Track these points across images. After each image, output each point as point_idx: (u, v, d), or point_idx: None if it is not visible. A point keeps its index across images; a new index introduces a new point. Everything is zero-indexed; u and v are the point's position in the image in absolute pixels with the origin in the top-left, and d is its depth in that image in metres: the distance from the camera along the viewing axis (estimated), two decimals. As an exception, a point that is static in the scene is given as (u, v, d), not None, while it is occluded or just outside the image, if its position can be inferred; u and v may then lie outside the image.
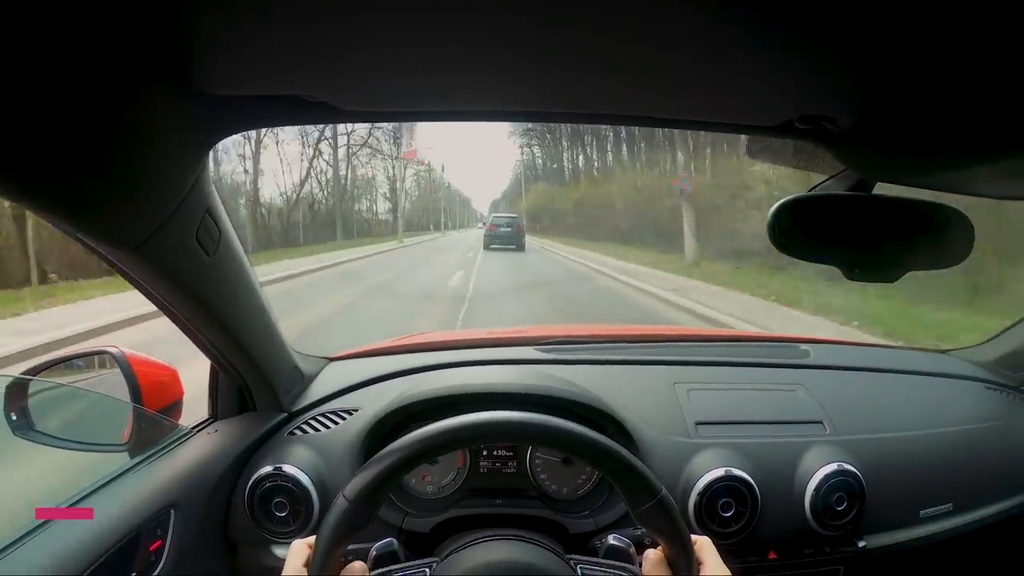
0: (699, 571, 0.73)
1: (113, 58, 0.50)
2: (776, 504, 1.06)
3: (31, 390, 1.05)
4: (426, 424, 0.72)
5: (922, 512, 1.14)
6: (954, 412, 1.28)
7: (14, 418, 1.01)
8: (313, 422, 1.14)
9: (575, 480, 1.13)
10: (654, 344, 1.52)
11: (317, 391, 1.20)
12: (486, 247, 22.23)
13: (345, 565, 0.74)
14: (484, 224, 30.03)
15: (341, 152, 31.57)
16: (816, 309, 7.65)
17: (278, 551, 1.04)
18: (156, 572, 0.88)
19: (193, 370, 1.14)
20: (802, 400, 1.23)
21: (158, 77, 0.56)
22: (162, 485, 0.93)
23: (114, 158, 0.56)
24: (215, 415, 1.12)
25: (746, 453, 1.09)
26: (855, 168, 0.75)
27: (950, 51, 0.48)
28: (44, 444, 1.04)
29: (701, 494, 1.03)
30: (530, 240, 25.91)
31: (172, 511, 0.92)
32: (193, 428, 1.09)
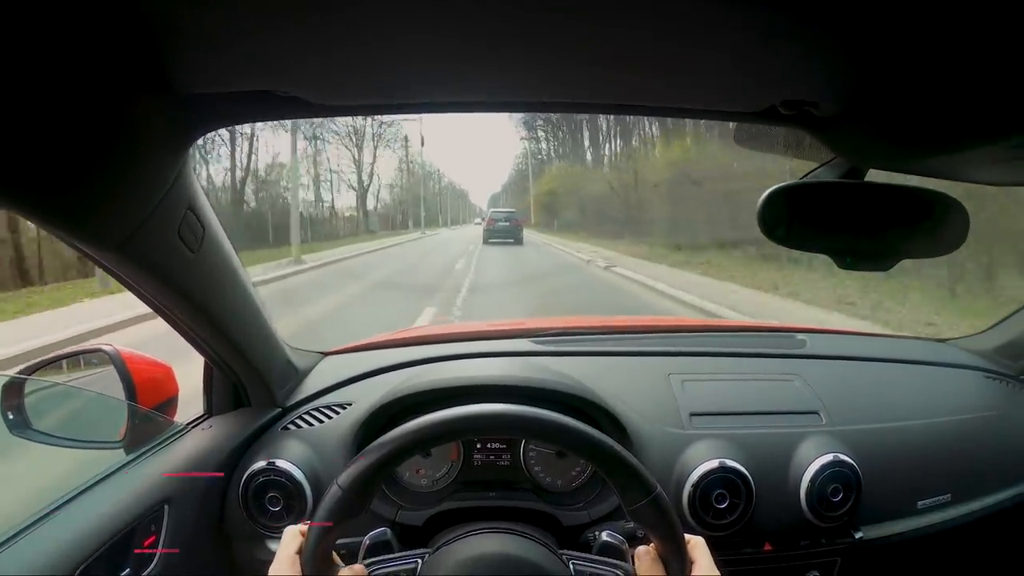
0: (691, 570, 0.73)
1: (86, 58, 0.50)
2: (771, 495, 1.06)
3: (27, 389, 1.05)
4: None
5: (920, 503, 1.13)
6: (952, 401, 1.27)
7: (11, 417, 1.02)
8: (307, 417, 1.14)
9: (569, 473, 1.13)
10: (649, 335, 1.51)
11: (311, 386, 1.20)
12: (485, 241, 22.61)
13: (338, 558, 0.75)
14: (483, 219, 29.60)
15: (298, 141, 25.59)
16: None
17: (272, 545, 1.04)
18: (150, 567, 0.88)
19: (196, 365, 1.14)
20: (798, 390, 1.22)
21: (131, 76, 0.56)
22: (156, 481, 0.93)
23: (89, 158, 0.56)
24: (210, 411, 1.13)
25: (741, 444, 1.09)
26: (843, 154, 0.75)
27: (932, 36, 0.48)
28: (40, 442, 1.04)
29: (695, 486, 1.03)
30: (549, 242, 23.49)
31: (166, 507, 0.92)
32: (188, 424, 1.10)
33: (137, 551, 0.87)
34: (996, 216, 5.64)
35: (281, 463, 1.03)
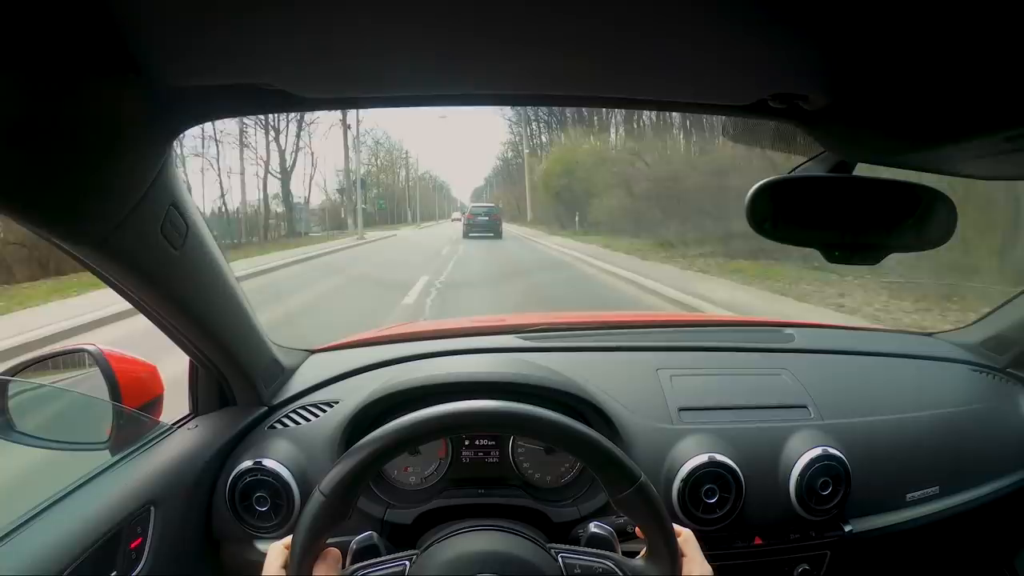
0: (681, 564, 0.73)
1: (64, 49, 0.49)
2: (761, 490, 1.06)
3: (10, 391, 1.04)
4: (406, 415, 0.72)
5: (908, 495, 1.14)
6: (940, 395, 1.28)
7: (-6, 419, 1.01)
8: (294, 415, 1.13)
9: (558, 469, 1.13)
10: (637, 330, 1.52)
11: (298, 384, 1.20)
12: (465, 235, 22.73)
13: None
14: (464, 213, 29.22)
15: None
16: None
17: (261, 546, 1.04)
18: (137, 569, 0.87)
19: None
20: (786, 384, 1.23)
21: (112, 70, 0.55)
22: (142, 482, 0.92)
23: (69, 153, 0.56)
24: (195, 410, 1.12)
25: (730, 439, 1.09)
26: (832, 148, 0.75)
27: (922, 28, 0.48)
28: (24, 444, 1.03)
29: (684, 481, 1.03)
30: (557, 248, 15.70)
31: (153, 508, 0.91)
32: (173, 424, 1.08)
33: (123, 553, 0.86)
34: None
35: (268, 463, 1.02)
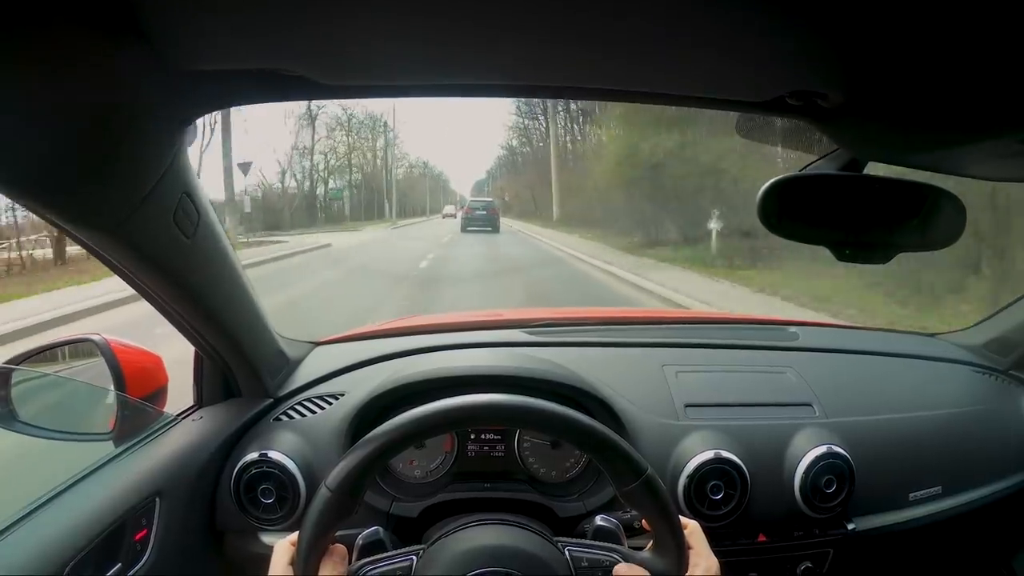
0: (688, 556, 0.73)
1: (79, 32, 0.48)
2: (765, 487, 1.06)
3: (14, 380, 1.04)
4: (412, 408, 0.71)
5: (911, 495, 1.14)
6: (942, 395, 1.29)
7: (-1, 408, 1.00)
8: (299, 407, 1.13)
9: (564, 463, 1.13)
10: (642, 326, 1.52)
11: (303, 376, 1.19)
12: (463, 229, 23.20)
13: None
14: (463, 207, 29.36)
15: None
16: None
17: (265, 538, 1.04)
18: (142, 561, 0.87)
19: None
20: (791, 382, 1.23)
21: (128, 53, 0.54)
22: (147, 473, 0.92)
23: (85, 138, 0.55)
24: (200, 401, 1.11)
25: (735, 436, 1.09)
26: (846, 146, 0.74)
27: (945, 27, 0.47)
28: (28, 434, 1.03)
29: (690, 477, 1.03)
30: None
31: (157, 499, 0.91)
32: (178, 415, 1.08)
33: (128, 544, 0.85)
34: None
35: (274, 455, 1.02)
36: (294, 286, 8.87)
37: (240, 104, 0.75)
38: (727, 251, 10.54)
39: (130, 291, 0.82)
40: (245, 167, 19.85)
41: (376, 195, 40.61)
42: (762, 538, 1.08)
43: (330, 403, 1.13)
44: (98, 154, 0.58)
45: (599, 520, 0.83)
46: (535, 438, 1.13)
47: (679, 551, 0.72)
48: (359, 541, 0.79)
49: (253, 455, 1.02)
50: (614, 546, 0.78)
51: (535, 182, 36.42)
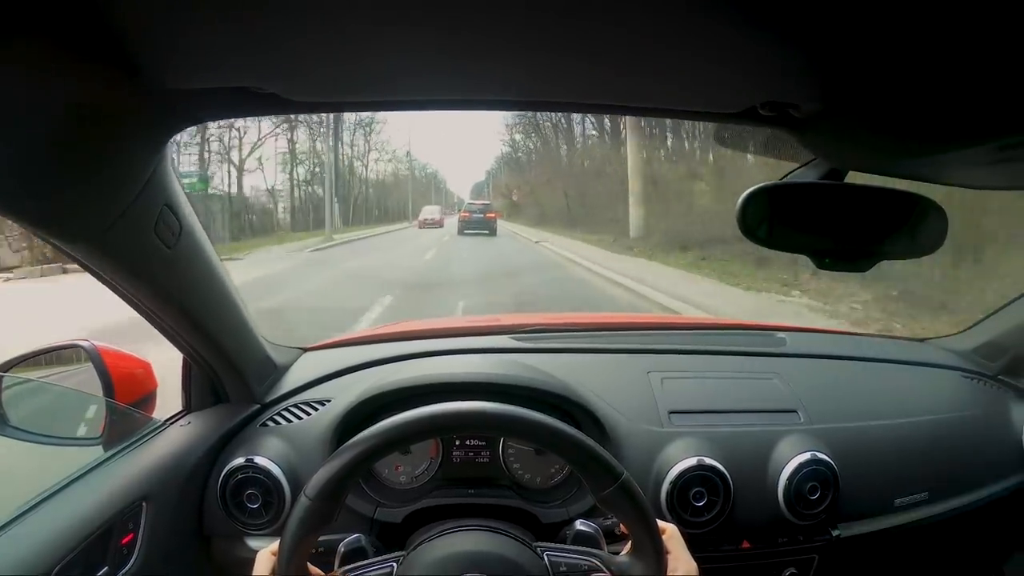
0: (666, 560, 0.73)
1: (59, 51, 0.49)
2: (749, 493, 1.06)
3: (3, 385, 1.04)
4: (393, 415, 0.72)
5: (897, 501, 1.14)
6: (930, 401, 1.28)
7: (-12, 413, 1.01)
8: (286, 413, 1.13)
9: (548, 470, 1.14)
10: (629, 332, 1.52)
11: (290, 381, 1.20)
12: (460, 232, 22.42)
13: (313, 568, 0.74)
14: (459, 210, 28.34)
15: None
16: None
17: (251, 543, 1.04)
18: (128, 565, 0.88)
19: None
20: (777, 389, 1.23)
21: (108, 72, 0.55)
22: (134, 478, 0.92)
23: (63, 152, 0.56)
24: (188, 407, 1.12)
25: (719, 442, 1.09)
26: (823, 156, 0.75)
27: (913, 38, 0.48)
28: (17, 439, 1.03)
29: (673, 483, 1.03)
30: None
31: (144, 504, 0.91)
32: (166, 421, 1.09)
33: (115, 549, 0.86)
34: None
35: (260, 460, 1.03)
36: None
37: (219, 119, 0.77)
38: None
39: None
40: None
41: (354, 196, 33.70)
42: (746, 545, 1.08)
43: (316, 409, 1.13)
44: (77, 168, 0.59)
45: (579, 525, 0.84)
46: (520, 445, 1.13)
47: (657, 555, 0.73)
48: (341, 548, 0.80)
49: (239, 460, 1.03)
50: (593, 551, 0.78)
51: (559, 179, 27.21)
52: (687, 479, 1.04)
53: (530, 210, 31.65)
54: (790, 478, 1.06)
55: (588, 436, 0.74)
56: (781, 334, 1.46)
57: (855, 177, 0.77)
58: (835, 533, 1.10)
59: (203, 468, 1.03)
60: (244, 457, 1.03)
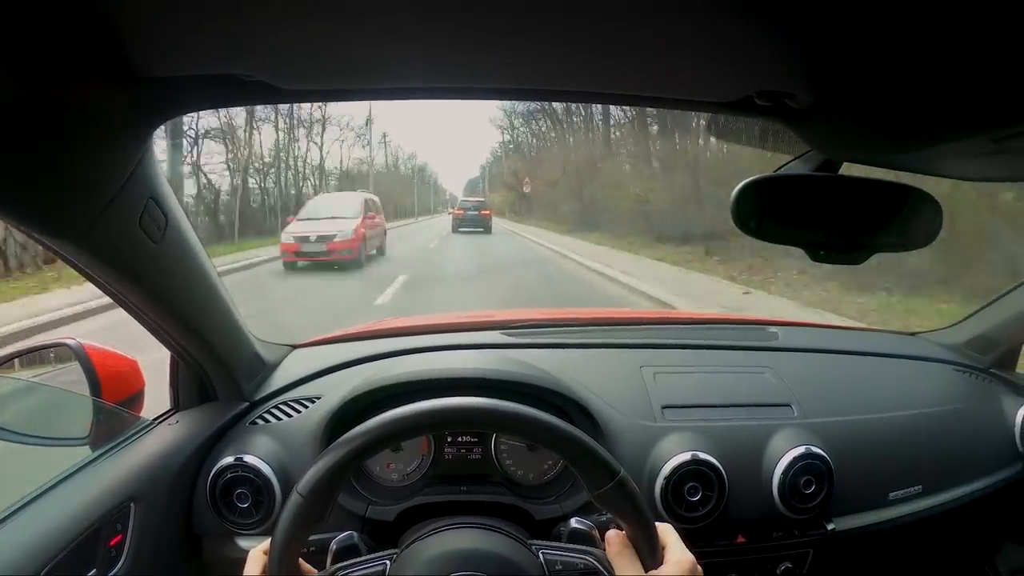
0: (663, 555, 0.73)
1: (40, 40, 0.48)
2: (744, 488, 1.06)
3: (-12, 385, 1.03)
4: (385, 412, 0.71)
5: (891, 494, 1.15)
6: (923, 395, 1.29)
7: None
8: (275, 411, 1.12)
9: (541, 466, 1.13)
10: (621, 327, 1.52)
11: (280, 379, 1.19)
12: (454, 230, 21.74)
13: (306, 565, 0.74)
14: (453, 208, 27.26)
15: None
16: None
17: (242, 542, 1.03)
18: (117, 566, 0.86)
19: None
20: (770, 383, 1.23)
21: (90, 59, 0.54)
22: (122, 478, 0.91)
23: (43, 144, 0.55)
24: (176, 406, 1.11)
25: (713, 437, 1.09)
26: (817, 147, 0.74)
27: (910, 27, 0.47)
28: (2, 439, 1.02)
29: (667, 479, 1.03)
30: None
31: (132, 504, 0.90)
32: (154, 420, 1.07)
33: (103, 550, 0.85)
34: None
35: (249, 459, 1.02)
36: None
37: (205, 108, 0.75)
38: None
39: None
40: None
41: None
42: (741, 539, 1.08)
43: (306, 406, 1.12)
44: (60, 161, 0.58)
45: (574, 523, 0.83)
46: (512, 441, 1.13)
47: (653, 552, 0.72)
48: (333, 546, 0.79)
49: (229, 459, 1.02)
50: (589, 549, 0.77)
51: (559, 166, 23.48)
52: (681, 474, 1.03)
53: (544, 207, 26.03)
54: (784, 472, 1.06)
55: (571, 425, 0.74)
56: (773, 328, 1.46)
57: (850, 169, 0.77)
58: (829, 527, 1.10)
59: (192, 467, 1.02)
60: (233, 456, 1.02)
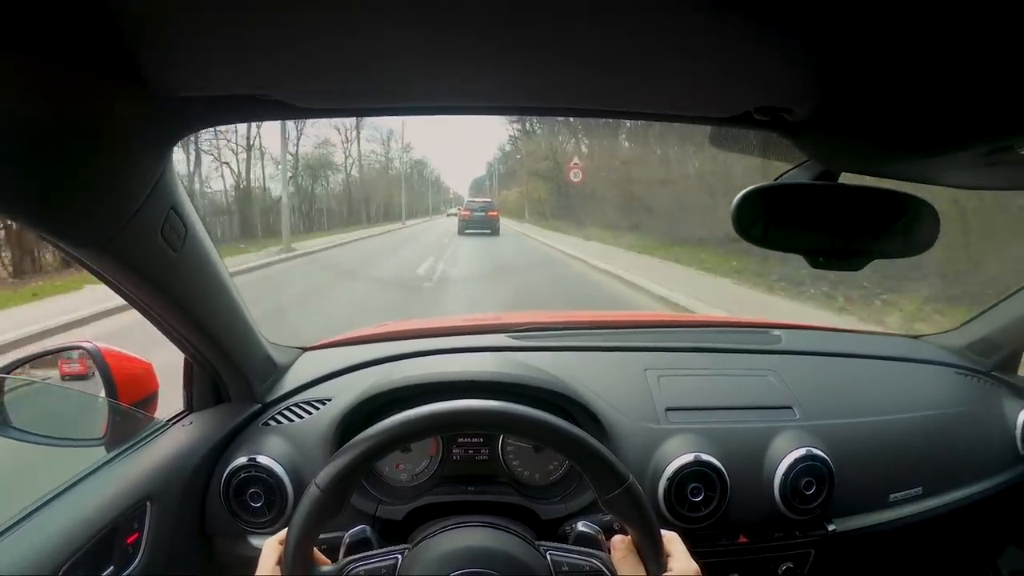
0: (667, 563, 0.74)
1: (69, 60, 0.50)
2: (746, 489, 1.08)
3: (6, 387, 1.05)
4: (398, 413, 0.73)
5: (891, 496, 1.16)
6: (925, 397, 1.30)
7: (-10, 415, 1.02)
8: (287, 412, 1.14)
9: (547, 467, 1.15)
10: (625, 330, 1.53)
11: (291, 381, 1.21)
12: (460, 232, 21.04)
13: (320, 555, 0.75)
14: (459, 208, 25.50)
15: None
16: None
17: (255, 541, 1.05)
18: (133, 565, 0.88)
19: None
20: (772, 386, 1.24)
21: (114, 79, 0.56)
22: (138, 478, 0.93)
23: (72, 159, 0.57)
24: (190, 407, 1.13)
25: (715, 439, 1.10)
26: (816, 158, 0.76)
27: (904, 43, 0.49)
28: (21, 440, 1.04)
29: (670, 480, 1.05)
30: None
31: (148, 504, 0.92)
32: (168, 421, 1.09)
33: (120, 548, 0.87)
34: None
35: (262, 459, 1.04)
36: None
37: (222, 124, 0.78)
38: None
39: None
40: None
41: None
42: (743, 539, 1.09)
43: (317, 408, 1.14)
44: (87, 175, 0.60)
45: (581, 526, 0.85)
46: (518, 442, 1.14)
47: (658, 558, 0.74)
48: (346, 539, 0.81)
49: (242, 460, 1.04)
50: (595, 552, 0.79)
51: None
52: (684, 475, 1.05)
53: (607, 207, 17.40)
54: (786, 474, 1.07)
55: (581, 430, 0.75)
56: (776, 331, 1.47)
57: (848, 178, 0.78)
58: (831, 528, 1.11)
59: (206, 468, 1.04)
60: (247, 456, 1.04)
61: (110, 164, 0.63)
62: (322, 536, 0.75)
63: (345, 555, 0.79)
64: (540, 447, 1.13)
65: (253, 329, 1.09)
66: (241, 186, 23.22)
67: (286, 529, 0.72)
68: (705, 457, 1.06)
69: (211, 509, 1.05)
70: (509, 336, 1.39)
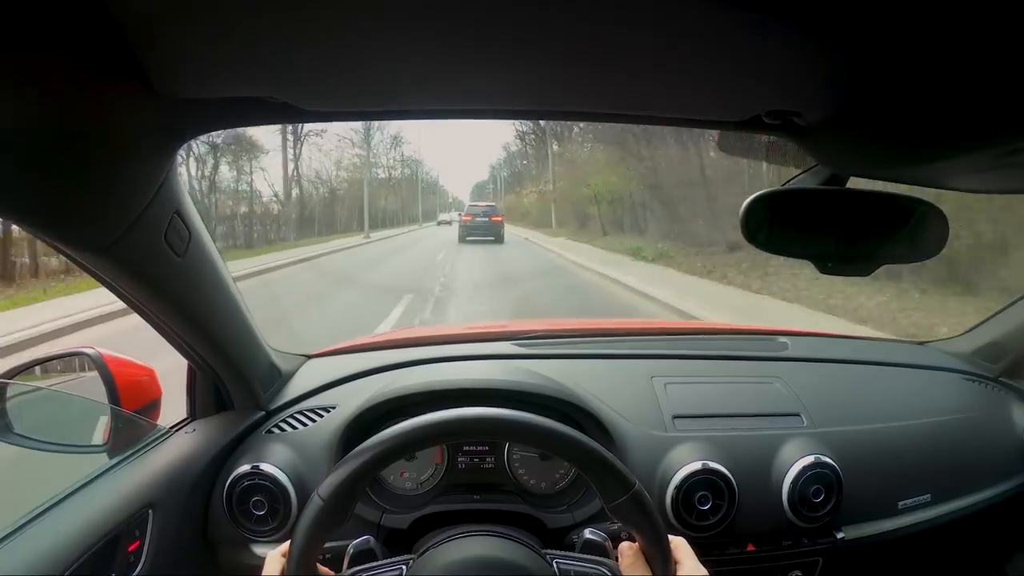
0: (675, 569, 0.73)
1: (73, 63, 0.50)
2: (754, 497, 1.07)
3: (9, 393, 1.05)
4: (402, 421, 0.72)
5: (900, 503, 1.15)
6: (932, 403, 1.29)
7: (-7, 421, 1.01)
8: (291, 420, 1.13)
9: (553, 475, 1.14)
10: (632, 338, 1.52)
11: (295, 389, 1.20)
12: (461, 239, 20.45)
13: (323, 568, 0.75)
14: (459, 213, 25.18)
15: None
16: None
17: (257, 550, 1.04)
18: (135, 573, 0.88)
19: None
20: (780, 393, 1.23)
21: (119, 82, 0.56)
22: (140, 485, 0.93)
23: (76, 162, 0.57)
24: (193, 414, 1.12)
25: (723, 446, 1.09)
26: (825, 162, 0.76)
27: (913, 46, 0.49)
28: (23, 447, 1.03)
29: (678, 488, 1.04)
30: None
31: (150, 511, 0.91)
32: (171, 428, 1.09)
33: (122, 556, 0.86)
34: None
35: (266, 467, 1.03)
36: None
37: (226, 128, 0.77)
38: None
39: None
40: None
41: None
42: (751, 548, 1.08)
43: (321, 416, 1.14)
44: (91, 178, 0.60)
45: (588, 533, 0.84)
46: (524, 450, 1.14)
47: (666, 565, 0.73)
48: (350, 549, 0.80)
49: (245, 467, 1.03)
50: (603, 560, 0.78)
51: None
52: (692, 483, 1.04)
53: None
54: (794, 481, 1.06)
55: (587, 437, 0.75)
56: (783, 338, 1.46)
57: (857, 181, 0.78)
58: (839, 536, 1.10)
59: (209, 475, 1.04)
60: (250, 464, 1.03)
61: (114, 167, 0.62)
62: (326, 546, 0.74)
63: (349, 565, 0.78)
64: (546, 455, 1.12)
65: (257, 336, 1.09)
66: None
67: (289, 541, 0.72)
68: (713, 465, 1.05)
69: (214, 517, 1.04)
70: (514, 344, 1.38)
